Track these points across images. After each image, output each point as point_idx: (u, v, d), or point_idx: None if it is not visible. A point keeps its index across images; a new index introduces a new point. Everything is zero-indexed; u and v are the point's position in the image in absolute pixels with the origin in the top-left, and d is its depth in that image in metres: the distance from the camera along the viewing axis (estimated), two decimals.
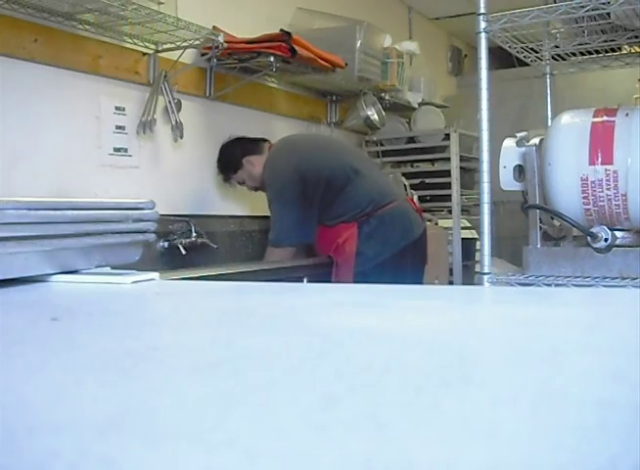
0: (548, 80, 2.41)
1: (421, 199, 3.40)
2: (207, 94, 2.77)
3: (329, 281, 2.48)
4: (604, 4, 1.74)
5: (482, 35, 1.83)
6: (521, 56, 2.17)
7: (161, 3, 2.29)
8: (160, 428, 0.32)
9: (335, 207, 2.53)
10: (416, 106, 3.87)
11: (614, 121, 1.65)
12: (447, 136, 3.52)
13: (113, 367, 0.44)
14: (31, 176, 2.09)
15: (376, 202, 2.53)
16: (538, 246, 1.77)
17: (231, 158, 2.70)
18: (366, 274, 2.44)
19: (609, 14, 1.90)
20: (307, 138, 2.89)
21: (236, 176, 2.71)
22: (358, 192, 2.53)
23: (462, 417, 0.32)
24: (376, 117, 3.45)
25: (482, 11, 1.82)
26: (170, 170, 2.62)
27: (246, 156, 2.66)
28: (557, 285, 1.67)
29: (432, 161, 3.64)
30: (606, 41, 2.19)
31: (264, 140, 2.73)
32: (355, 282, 2.38)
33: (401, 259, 2.50)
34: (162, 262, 2.43)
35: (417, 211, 2.70)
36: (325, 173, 2.53)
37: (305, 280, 2.41)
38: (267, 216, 3.04)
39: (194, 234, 2.54)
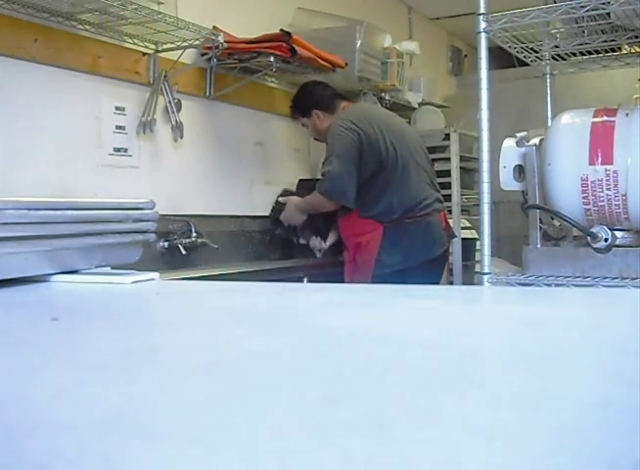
0: (548, 80, 2.41)
1: None
2: (207, 94, 2.77)
3: (329, 281, 2.48)
4: (604, 4, 1.74)
5: (482, 35, 1.83)
6: (521, 56, 2.17)
7: (161, 3, 2.28)
8: (159, 428, 0.32)
9: (372, 199, 2.52)
10: (416, 106, 3.86)
11: (614, 121, 1.66)
12: (447, 136, 3.52)
13: (113, 367, 0.44)
14: (31, 176, 2.09)
15: (407, 210, 2.51)
16: (538, 246, 1.77)
17: (303, 103, 2.78)
18: (381, 279, 2.42)
19: (609, 14, 1.90)
20: (385, 115, 2.81)
21: (302, 120, 2.80)
22: (395, 193, 2.52)
23: (462, 417, 0.32)
24: None
25: (482, 11, 1.82)
26: (170, 170, 2.62)
27: (317, 109, 2.73)
28: (557, 285, 1.67)
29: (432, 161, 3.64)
30: (606, 41, 2.19)
31: (343, 98, 2.77)
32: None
33: (417, 273, 2.48)
34: (162, 262, 2.43)
35: (445, 229, 2.66)
36: (381, 156, 2.52)
37: (305, 280, 2.41)
38: (267, 216, 3.05)
39: (194, 234, 2.54)
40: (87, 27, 2.20)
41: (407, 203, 2.52)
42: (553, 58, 2.31)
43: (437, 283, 2.65)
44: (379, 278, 2.44)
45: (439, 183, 3.43)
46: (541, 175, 1.74)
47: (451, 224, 3.28)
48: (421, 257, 2.51)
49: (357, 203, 2.53)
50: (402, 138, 2.63)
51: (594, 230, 1.66)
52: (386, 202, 2.51)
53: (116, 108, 2.38)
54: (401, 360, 0.46)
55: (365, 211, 2.53)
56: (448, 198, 3.41)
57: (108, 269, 1.01)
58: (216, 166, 2.84)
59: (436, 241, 2.57)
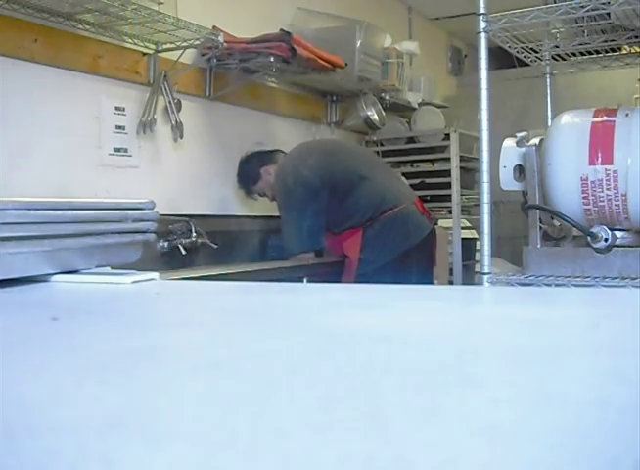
0: (548, 80, 2.41)
1: (421, 199, 3.40)
2: (207, 94, 2.77)
3: (329, 281, 2.50)
4: (604, 4, 1.74)
5: (482, 35, 1.83)
6: (521, 56, 2.17)
7: (161, 3, 2.28)
8: (159, 428, 0.32)
9: (340, 213, 2.58)
10: (416, 106, 3.86)
11: (614, 121, 1.66)
12: (447, 136, 3.52)
13: (113, 367, 0.44)
14: (31, 176, 2.09)
15: (378, 207, 2.56)
16: (538, 246, 1.77)
17: (249, 170, 2.78)
18: (367, 278, 2.47)
19: (609, 14, 1.90)
20: (316, 145, 2.92)
21: (256, 188, 2.79)
22: (362, 198, 2.57)
23: (462, 417, 0.32)
24: (376, 117, 3.45)
25: (482, 11, 1.82)
26: (170, 170, 2.62)
27: (263, 166, 2.75)
28: (557, 285, 1.67)
29: (432, 161, 3.64)
30: (606, 41, 2.19)
31: (279, 151, 2.82)
32: None
33: (403, 264, 2.54)
34: (162, 262, 2.43)
35: (424, 214, 2.71)
36: (330, 181, 2.57)
37: (305, 280, 2.41)
38: (267, 216, 3.05)
39: (194, 234, 2.54)
40: (87, 27, 2.20)
41: (378, 200, 2.58)
42: (553, 58, 2.31)
43: (429, 270, 2.71)
44: (364, 277, 2.50)
45: (440, 183, 3.46)
46: (541, 175, 1.74)
47: (449, 224, 3.29)
48: (402, 246, 2.56)
49: (331, 225, 2.60)
50: (343, 156, 2.73)
51: (594, 230, 1.66)
52: (357, 211, 2.57)
53: (116, 108, 2.38)
54: (401, 360, 0.46)
55: (337, 227, 2.60)
56: (448, 198, 3.41)
57: (108, 269, 1.01)
58: (216, 166, 2.84)
59: (414, 230, 2.62)
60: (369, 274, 2.49)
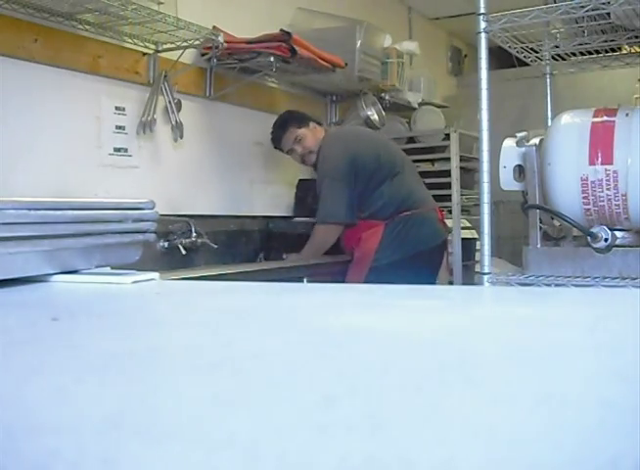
0: (548, 80, 2.41)
1: None
2: (207, 94, 2.77)
3: (329, 281, 2.52)
4: (604, 4, 1.74)
5: (482, 35, 1.82)
6: (521, 56, 2.17)
7: (161, 3, 2.28)
8: (159, 428, 0.32)
9: (370, 200, 2.66)
10: (416, 106, 3.86)
11: (614, 121, 1.66)
12: (447, 136, 3.51)
13: (113, 367, 0.44)
14: (31, 176, 2.09)
15: (402, 203, 2.66)
16: (538, 246, 1.77)
17: (298, 116, 2.84)
18: (377, 272, 2.56)
19: (609, 14, 1.90)
20: (363, 130, 3.06)
21: (298, 132, 2.78)
22: (391, 191, 2.67)
23: (462, 417, 0.32)
24: (376, 117, 3.45)
25: (482, 11, 1.82)
26: (170, 170, 2.62)
27: (311, 121, 2.82)
28: (557, 285, 1.67)
29: (432, 161, 3.63)
30: (606, 41, 2.19)
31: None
32: (366, 278, 2.57)
33: (413, 265, 2.60)
34: (162, 262, 2.43)
35: (441, 222, 2.81)
36: (372, 166, 2.67)
37: (305, 280, 2.41)
38: (267, 217, 3.05)
39: (194, 234, 2.54)
40: (87, 27, 2.20)
41: (402, 197, 2.68)
42: (553, 58, 2.31)
43: (434, 275, 2.78)
44: (375, 270, 2.58)
45: (440, 183, 3.45)
46: (541, 175, 1.74)
47: (449, 223, 3.31)
48: (414, 248, 2.64)
49: (359, 209, 2.68)
50: (386, 147, 2.84)
51: (594, 230, 1.66)
52: (384, 203, 2.66)
53: (116, 108, 2.38)
54: (401, 360, 0.46)
55: (361, 212, 2.67)
56: (448, 198, 3.40)
57: (108, 269, 1.01)
58: (216, 166, 2.84)
59: (430, 234, 2.72)
60: (379, 268, 2.57)
